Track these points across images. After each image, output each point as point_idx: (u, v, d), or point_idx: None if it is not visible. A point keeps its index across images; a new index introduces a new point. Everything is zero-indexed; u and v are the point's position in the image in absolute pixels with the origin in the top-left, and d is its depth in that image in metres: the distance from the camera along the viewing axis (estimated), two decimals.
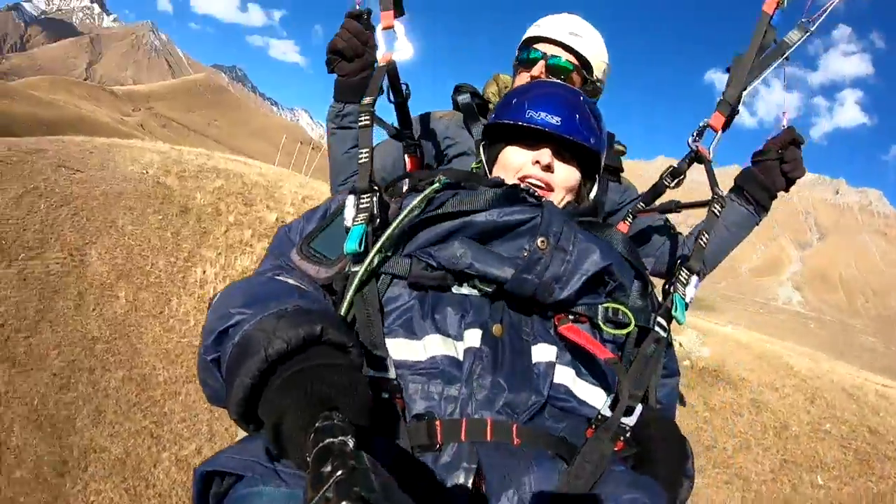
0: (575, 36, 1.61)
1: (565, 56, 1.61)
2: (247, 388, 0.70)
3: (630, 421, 0.99)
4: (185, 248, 6.04)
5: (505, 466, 0.84)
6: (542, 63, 1.61)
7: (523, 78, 1.64)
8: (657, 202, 1.56)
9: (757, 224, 1.60)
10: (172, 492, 3.80)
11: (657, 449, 0.98)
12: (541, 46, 1.63)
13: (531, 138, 1.23)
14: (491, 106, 1.73)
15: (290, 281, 0.96)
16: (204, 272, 5.83)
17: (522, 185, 1.17)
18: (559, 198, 1.23)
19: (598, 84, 1.68)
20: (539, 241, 1.00)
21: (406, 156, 1.61)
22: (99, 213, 5.91)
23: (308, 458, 0.55)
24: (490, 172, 1.31)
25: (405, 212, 1.01)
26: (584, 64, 1.62)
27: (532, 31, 1.68)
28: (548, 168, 1.20)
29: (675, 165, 1.49)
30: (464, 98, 1.68)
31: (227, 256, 6.25)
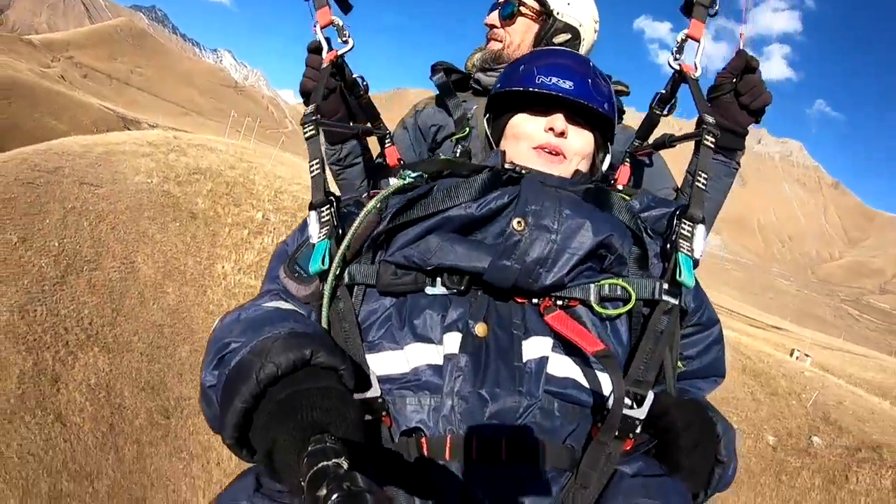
0: None
1: None
2: (239, 413, 0.71)
3: (640, 413, 0.87)
4: (204, 250, 7.76)
5: (493, 487, 0.80)
6: (495, 14, 1.61)
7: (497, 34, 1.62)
8: (651, 138, 1.44)
9: (737, 169, 1.39)
10: None
11: (679, 437, 0.88)
12: None
13: (542, 105, 1.16)
14: (477, 75, 1.64)
15: (285, 306, 0.94)
16: (223, 267, 7.62)
17: (507, 165, 1.08)
18: (573, 166, 1.16)
19: (563, 17, 1.56)
20: (515, 221, 0.91)
21: (384, 149, 1.55)
22: (131, 225, 7.47)
23: (302, 483, 0.55)
24: (497, 144, 1.25)
25: (360, 218, 0.95)
26: (540, 1, 1.57)
27: None
28: (562, 135, 1.14)
29: (663, 91, 1.36)
30: (437, 78, 1.61)
31: (236, 253, 8.02)
